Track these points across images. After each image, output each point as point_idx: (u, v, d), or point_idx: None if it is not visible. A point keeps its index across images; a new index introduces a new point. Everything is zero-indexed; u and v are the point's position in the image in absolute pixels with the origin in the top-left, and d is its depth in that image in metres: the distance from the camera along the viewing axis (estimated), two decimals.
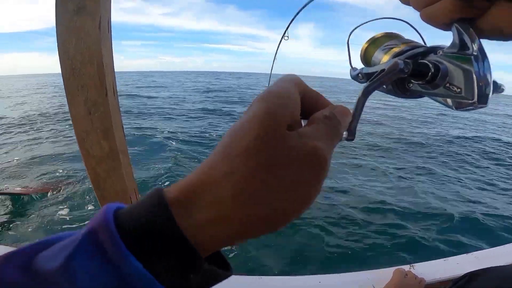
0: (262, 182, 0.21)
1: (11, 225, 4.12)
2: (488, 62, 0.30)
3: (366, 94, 0.30)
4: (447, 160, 7.21)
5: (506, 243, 1.32)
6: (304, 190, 0.22)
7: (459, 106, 0.32)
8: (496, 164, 7.04)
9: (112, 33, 0.67)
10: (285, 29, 0.72)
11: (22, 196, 4.76)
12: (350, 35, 0.51)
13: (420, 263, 1.27)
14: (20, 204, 4.61)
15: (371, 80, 0.31)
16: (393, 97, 0.42)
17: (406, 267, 1.24)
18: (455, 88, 0.31)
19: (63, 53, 0.59)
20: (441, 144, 9.22)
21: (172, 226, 0.20)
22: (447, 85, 0.32)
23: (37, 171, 5.84)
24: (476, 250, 1.30)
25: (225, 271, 0.23)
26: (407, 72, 0.32)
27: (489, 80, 0.30)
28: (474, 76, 0.29)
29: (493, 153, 8.31)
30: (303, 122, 0.26)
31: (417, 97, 0.39)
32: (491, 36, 0.30)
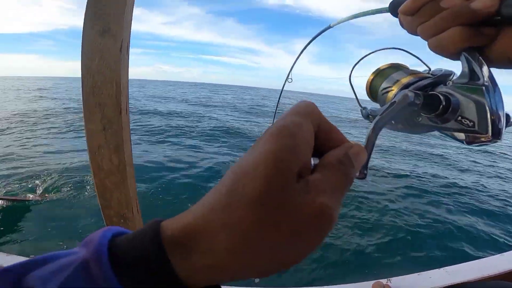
0: (262, 238, 0.20)
1: (8, 232, 3.91)
2: (500, 92, 0.29)
3: (377, 130, 0.29)
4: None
5: (474, 259, 1.43)
6: (305, 245, 0.21)
7: (471, 141, 0.30)
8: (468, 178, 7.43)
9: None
10: (288, 71, 0.73)
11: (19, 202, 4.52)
12: (351, 72, 0.49)
13: (396, 277, 1.35)
14: (17, 211, 4.37)
15: (381, 114, 0.30)
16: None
17: (384, 281, 1.31)
18: (468, 122, 0.30)
19: (85, 71, 0.62)
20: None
21: (166, 266, 0.20)
22: (459, 118, 0.30)
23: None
24: (447, 266, 1.39)
25: None
26: (418, 104, 0.31)
27: (502, 112, 0.28)
28: (487, 108, 0.28)
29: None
30: (312, 160, 0.24)
31: (426, 131, 0.37)
32: (499, 64, 0.30)
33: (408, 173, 7.57)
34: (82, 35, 0.61)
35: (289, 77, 0.93)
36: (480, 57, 0.29)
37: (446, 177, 7.53)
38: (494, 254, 1.41)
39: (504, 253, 1.38)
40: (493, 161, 10.51)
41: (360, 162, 0.25)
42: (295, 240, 0.20)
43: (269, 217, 0.20)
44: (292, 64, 0.89)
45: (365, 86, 0.44)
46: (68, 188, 5.09)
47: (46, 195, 4.85)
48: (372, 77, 0.43)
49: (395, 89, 0.38)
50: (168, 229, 0.21)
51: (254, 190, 0.20)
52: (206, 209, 0.21)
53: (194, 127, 12.07)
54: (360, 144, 0.26)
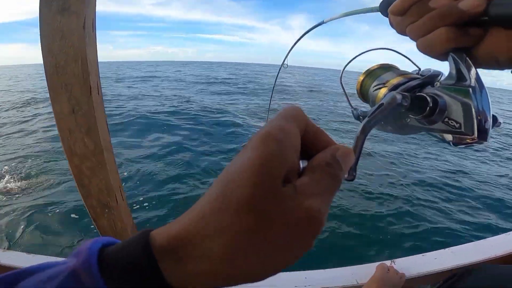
0: (253, 243, 0.20)
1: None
2: (486, 93, 0.29)
3: (365, 131, 0.29)
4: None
5: (480, 239, 1.38)
6: (296, 249, 0.22)
7: (457, 142, 0.31)
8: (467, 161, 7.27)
9: (96, 29, 0.67)
10: (283, 59, 0.74)
11: None
12: (342, 73, 0.49)
13: (401, 258, 1.31)
14: None
15: (369, 116, 0.30)
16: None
17: (387, 263, 1.28)
18: (454, 123, 0.30)
19: (46, 52, 0.60)
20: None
21: (156, 273, 0.20)
22: (446, 119, 0.31)
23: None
24: (452, 246, 1.35)
25: None
26: (406, 106, 0.31)
27: (488, 114, 0.28)
28: (473, 109, 0.28)
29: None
30: (301, 163, 0.24)
31: (415, 132, 0.37)
32: (486, 65, 0.30)
33: (412, 154, 7.45)
34: (39, 15, 0.59)
35: (285, 62, 0.97)
36: (467, 58, 0.29)
37: (448, 161, 7.38)
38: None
39: (511, 232, 1.33)
40: (503, 144, 10.24)
41: (348, 164, 0.25)
42: (285, 244, 0.21)
43: (257, 222, 0.20)
44: (286, 54, 0.91)
45: (355, 86, 0.45)
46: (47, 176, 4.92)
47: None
48: (362, 78, 0.43)
49: (384, 90, 0.38)
50: (159, 237, 0.21)
51: (241, 197, 0.20)
52: (197, 215, 0.21)
53: (184, 108, 11.72)
54: (348, 146, 0.26)
